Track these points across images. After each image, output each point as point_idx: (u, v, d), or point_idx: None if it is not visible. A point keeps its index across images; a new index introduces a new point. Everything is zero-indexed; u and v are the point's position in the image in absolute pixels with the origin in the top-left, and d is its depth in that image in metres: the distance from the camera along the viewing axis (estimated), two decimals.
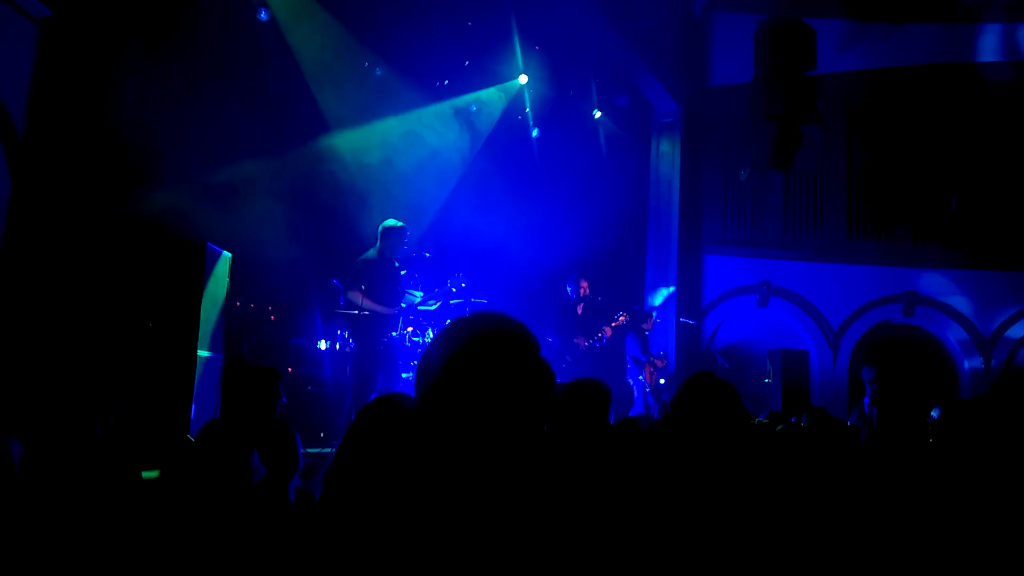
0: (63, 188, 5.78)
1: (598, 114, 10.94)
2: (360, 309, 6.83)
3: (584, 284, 8.67)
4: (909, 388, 7.58)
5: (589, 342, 8.42)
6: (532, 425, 1.27)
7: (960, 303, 10.41)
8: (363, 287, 6.76)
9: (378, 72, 10.00)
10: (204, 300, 5.43)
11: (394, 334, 7.23)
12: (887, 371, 7.17)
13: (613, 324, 8.65)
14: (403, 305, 7.23)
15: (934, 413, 3.31)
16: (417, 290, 7.95)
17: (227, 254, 6.15)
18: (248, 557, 1.82)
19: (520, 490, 1.23)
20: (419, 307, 7.85)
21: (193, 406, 5.12)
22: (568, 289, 8.69)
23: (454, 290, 8.34)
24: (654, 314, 9.56)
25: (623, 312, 8.88)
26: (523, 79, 10.81)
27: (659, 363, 9.10)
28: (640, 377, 9.10)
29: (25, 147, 5.72)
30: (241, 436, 2.10)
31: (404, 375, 7.76)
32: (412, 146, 10.41)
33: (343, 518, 1.48)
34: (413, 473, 1.30)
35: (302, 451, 2.27)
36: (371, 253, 6.98)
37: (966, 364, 10.45)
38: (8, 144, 5.60)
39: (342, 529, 1.40)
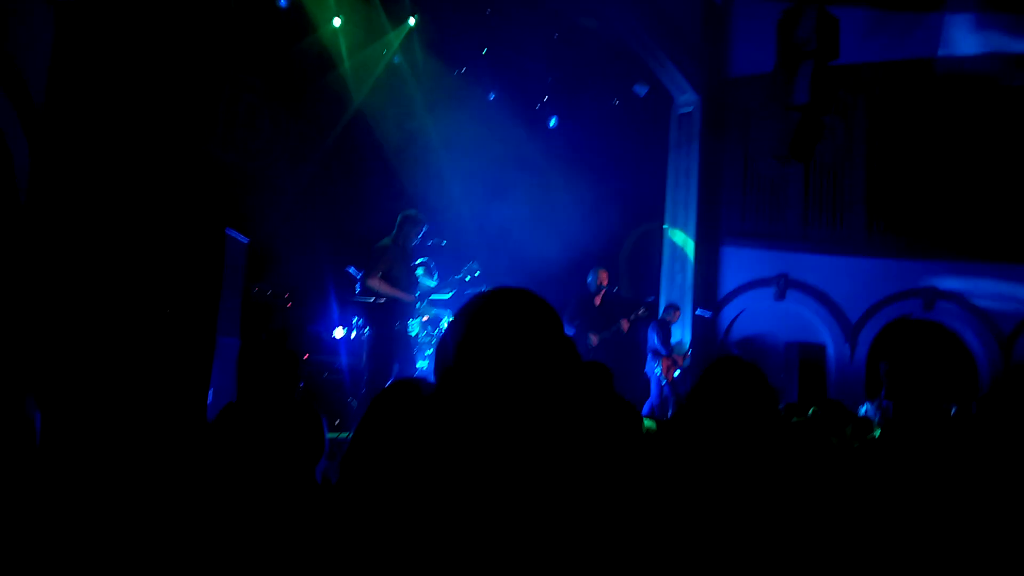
0: (83, 162, 5.83)
1: (617, 101, 10.88)
2: (377, 296, 6.86)
3: (604, 275, 8.64)
4: (927, 383, 7.52)
5: (601, 336, 8.39)
6: (556, 403, 1.26)
7: (980, 298, 10.29)
8: (381, 273, 6.80)
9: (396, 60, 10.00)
10: (223, 286, 5.46)
11: (408, 321, 7.26)
12: (905, 365, 7.10)
13: (632, 317, 8.61)
14: (418, 293, 7.25)
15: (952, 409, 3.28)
16: (432, 278, 7.98)
17: (244, 240, 6.18)
18: (274, 537, 1.83)
19: (543, 470, 1.22)
20: (435, 295, 7.88)
21: (211, 391, 5.16)
22: (588, 279, 8.67)
23: (467, 279, 8.35)
24: (698, 310, 9.52)
25: (643, 306, 8.86)
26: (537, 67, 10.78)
27: (679, 359, 9.06)
28: (657, 370, 9.07)
29: (44, 119, 5.77)
30: (262, 418, 2.11)
31: (419, 364, 7.78)
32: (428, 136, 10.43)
33: (359, 502, 1.48)
34: (431, 456, 1.30)
35: (328, 434, 2.28)
36: (387, 241, 7.00)
37: (985, 359, 10.34)
38: (25, 116, 5.65)
39: (358, 514, 1.40)
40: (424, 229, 7.13)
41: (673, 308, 9.59)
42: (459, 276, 7.88)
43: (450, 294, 8.03)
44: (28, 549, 2.14)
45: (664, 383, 8.95)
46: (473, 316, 1.32)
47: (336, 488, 2.08)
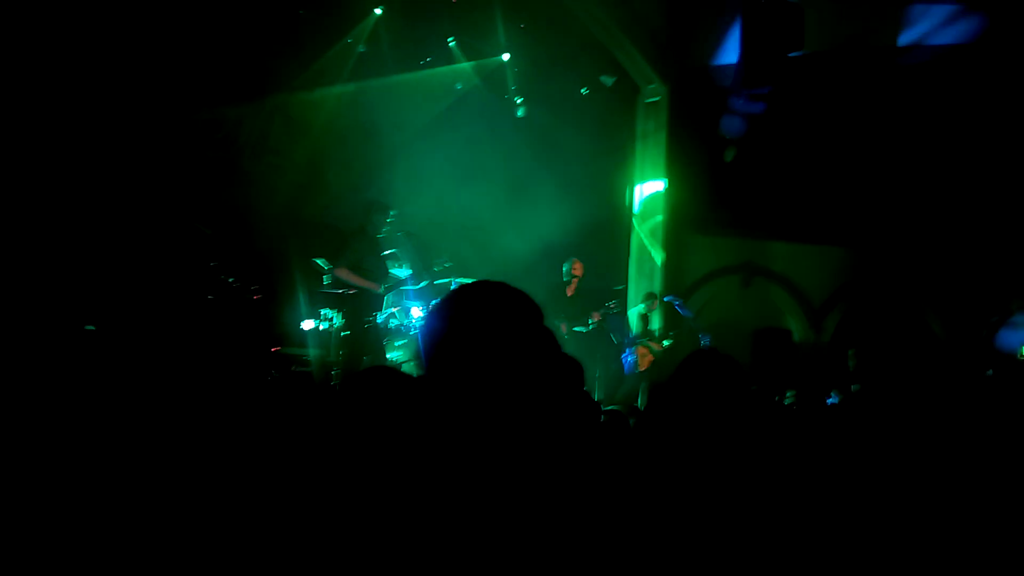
0: (41, 165, 5.69)
1: (586, 91, 10.89)
2: (347, 287, 6.81)
3: (578, 265, 8.65)
4: (892, 365, 7.67)
5: (577, 329, 8.41)
6: (541, 390, 1.26)
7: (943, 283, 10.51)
8: (350, 264, 6.75)
9: (361, 49, 9.91)
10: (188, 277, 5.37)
11: (380, 312, 7.22)
12: (869, 350, 7.24)
13: (602, 311, 8.64)
14: (389, 284, 7.21)
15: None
16: (402, 268, 7.94)
17: (208, 231, 6.10)
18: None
19: (531, 457, 1.22)
20: (405, 286, 7.84)
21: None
22: (563, 269, 8.68)
23: (438, 270, 8.33)
24: (667, 297, 9.59)
25: (615, 300, 8.92)
26: (505, 57, 10.75)
27: (655, 345, 9.11)
28: (630, 358, 9.14)
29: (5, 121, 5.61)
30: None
31: (391, 354, 7.75)
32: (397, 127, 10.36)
33: (336, 488, 1.47)
34: (418, 441, 1.29)
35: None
36: (356, 231, 6.96)
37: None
38: None
39: (336, 498, 1.39)
40: (392, 215, 7.09)
41: (651, 297, 9.65)
42: (430, 267, 7.87)
43: (420, 285, 8.01)
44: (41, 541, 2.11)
45: (637, 371, 9.02)
46: (456, 307, 1.32)
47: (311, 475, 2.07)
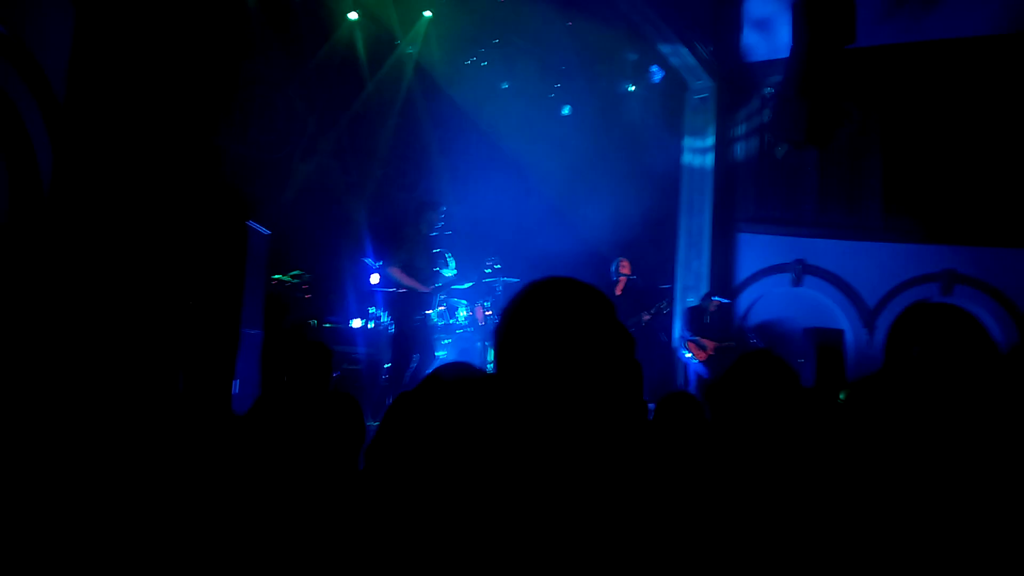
0: (104, 159, 5.85)
1: (632, 88, 10.81)
2: (397, 286, 6.88)
3: (625, 264, 8.64)
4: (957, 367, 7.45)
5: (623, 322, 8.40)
6: (613, 390, 1.26)
7: (1000, 281, 10.20)
8: (401, 263, 6.82)
9: (411, 51, 9.99)
10: (246, 279, 5.48)
11: (428, 312, 7.28)
12: (937, 349, 7.04)
13: (652, 311, 8.61)
14: (438, 284, 7.26)
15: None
16: (450, 268, 7.99)
17: (265, 232, 6.21)
18: (317, 523, 1.85)
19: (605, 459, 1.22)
20: (453, 286, 7.89)
21: (236, 382, 5.19)
22: (612, 268, 8.69)
23: (487, 270, 8.36)
24: (715, 297, 9.51)
25: (665, 301, 8.89)
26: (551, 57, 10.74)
27: (710, 344, 9.03)
28: (688, 355, 9.10)
29: (66, 116, 5.78)
30: (300, 408, 2.12)
31: (439, 353, 7.81)
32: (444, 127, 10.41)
33: (389, 491, 1.47)
34: (490, 437, 1.29)
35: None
36: (408, 230, 7.02)
37: (1005, 344, 10.27)
38: (48, 113, 5.68)
39: (391, 500, 1.40)
40: (443, 212, 7.14)
41: (706, 297, 9.59)
42: (479, 268, 7.91)
43: (468, 285, 8.05)
44: (41, 545, 2.16)
45: (696, 364, 8.98)
46: (529, 304, 1.32)
47: (363, 476, 2.09)
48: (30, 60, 5.50)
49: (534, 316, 1.26)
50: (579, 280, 1.37)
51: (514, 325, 1.29)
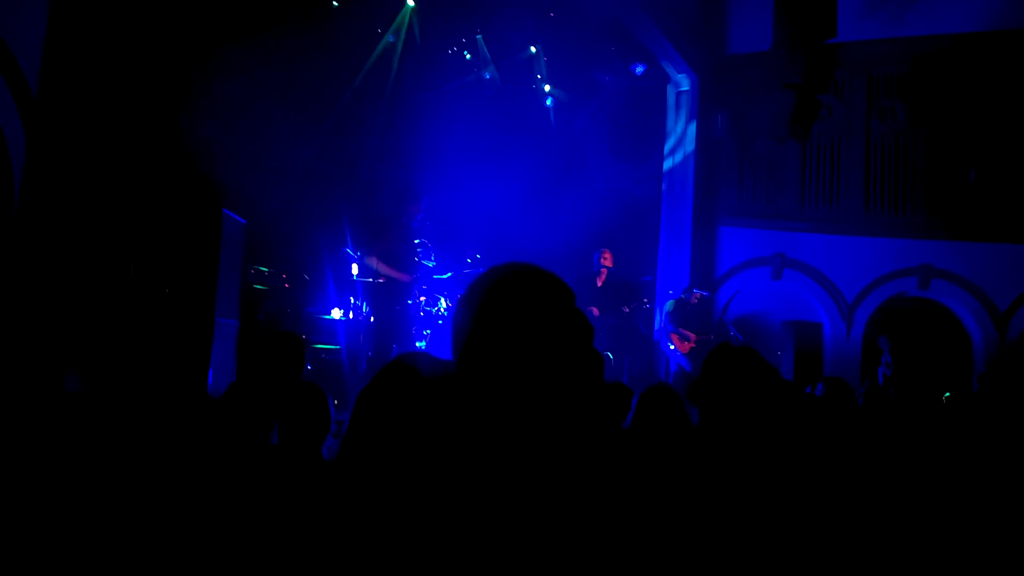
0: (78, 150, 5.77)
1: (614, 80, 10.82)
2: (376, 276, 6.85)
3: (607, 255, 8.65)
4: (923, 359, 7.55)
5: (606, 319, 8.42)
6: (577, 377, 1.25)
7: (977, 276, 10.32)
8: (380, 253, 6.79)
9: (390, 39, 9.93)
10: (220, 266, 5.44)
11: (409, 302, 7.26)
12: (902, 342, 7.13)
13: (633, 306, 8.65)
14: (418, 274, 7.25)
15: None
16: (430, 259, 7.97)
17: (242, 220, 6.16)
18: (282, 513, 1.84)
19: (565, 447, 1.22)
20: (433, 276, 7.87)
21: (210, 371, 5.16)
22: (594, 258, 8.70)
23: (468, 261, 8.36)
24: (695, 290, 9.53)
25: (645, 297, 8.90)
26: (533, 49, 10.72)
27: (692, 335, 9.06)
28: (671, 347, 9.13)
29: (39, 107, 5.70)
30: (270, 398, 2.11)
31: (419, 343, 7.79)
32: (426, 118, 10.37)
33: (361, 481, 1.46)
34: (443, 436, 1.28)
35: (334, 414, 2.28)
36: (389, 220, 6.99)
37: (980, 337, 10.39)
38: (22, 104, 5.59)
39: (360, 492, 1.39)
40: (423, 203, 7.11)
41: (688, 289, 9.61)
42: (459, 259, 7.90)
43: (447, 275, 8.04)
44: (27, 538, 2.13)
45: (678, 356, 9.02)
46: (485, 291, 1.31)
47: (335, 466, 2.08)
48: (3, 48, 5.41)
49: (490, 303, 1.25)
50: (539, 267, 1.36)
51: (469, 312, 1.28)
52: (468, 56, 10.61)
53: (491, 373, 1.22)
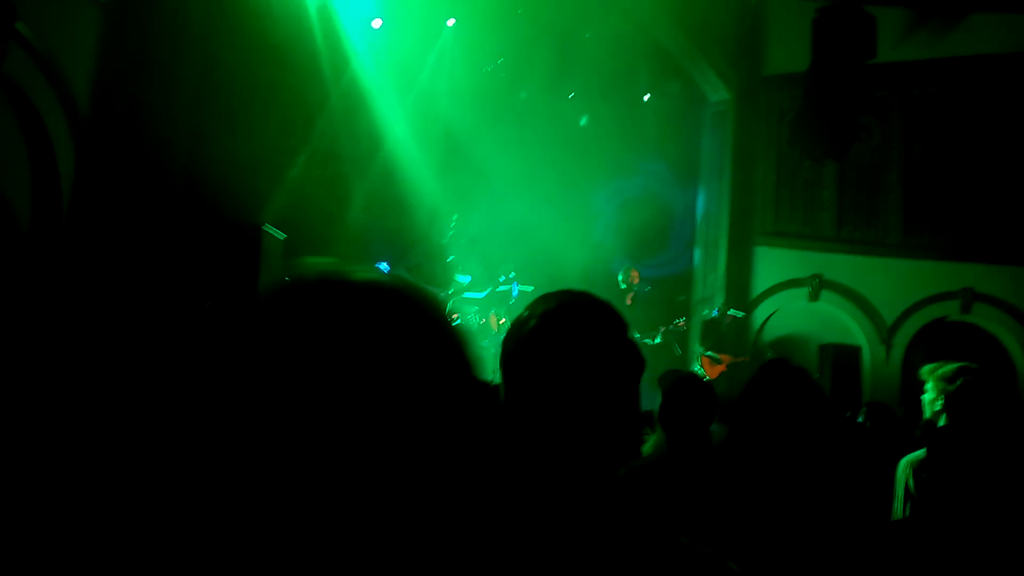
0: (124, 166, 5.91)
1: (651, 98, 10.77)
2: None
3: (635, 274, 8.59)
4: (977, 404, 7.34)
5: (637, 335, 8.35)
6: (631, 407, 1.25)
7: (1020, 300, 10.09)
8: (408, 268, 6.88)
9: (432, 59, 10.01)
10: (261, 282, 5.52)
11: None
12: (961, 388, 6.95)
13: (670, 328, 8.56)
14: (450, 291, 7.28)
15: None
16: (464, 275, 8.00)
17: (281, 235, 6.25)
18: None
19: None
20: (466, 293, 7.89)
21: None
22: (619, 277, 8.62)
23: (502, 279, 8.37)
24: (731, 310, 9.43)
25: (683, 319, 8.81)
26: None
27: (726, 358, 8.94)
28: (699, 369, 9.02)
29: (89, 126, 5.86)
30: None
31: None
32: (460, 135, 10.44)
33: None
34: (491, 456, 1.28)
35: None
36: (419, 236, 7.08)
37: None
38: (72, 123, 5.75)
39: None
40: (455, 220, 7.17)
41: (721, 309, 9.51)
42: (494, 278, 7.91)
43: (484, 293, 8.05)
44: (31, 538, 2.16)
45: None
46: (542, 317, 1.31)
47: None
48: (56, 69, 5.58)
49: (544, 332, 1.25)
50: (592, 295, 1.36)
51: (523, 340, 1.28)
52: (503, 76, 10.68)
53: (545, 404, 1.22)
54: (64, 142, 5.66)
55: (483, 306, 8.38)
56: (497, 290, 8.43)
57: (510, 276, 8.20)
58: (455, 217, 7.26)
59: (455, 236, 7.31)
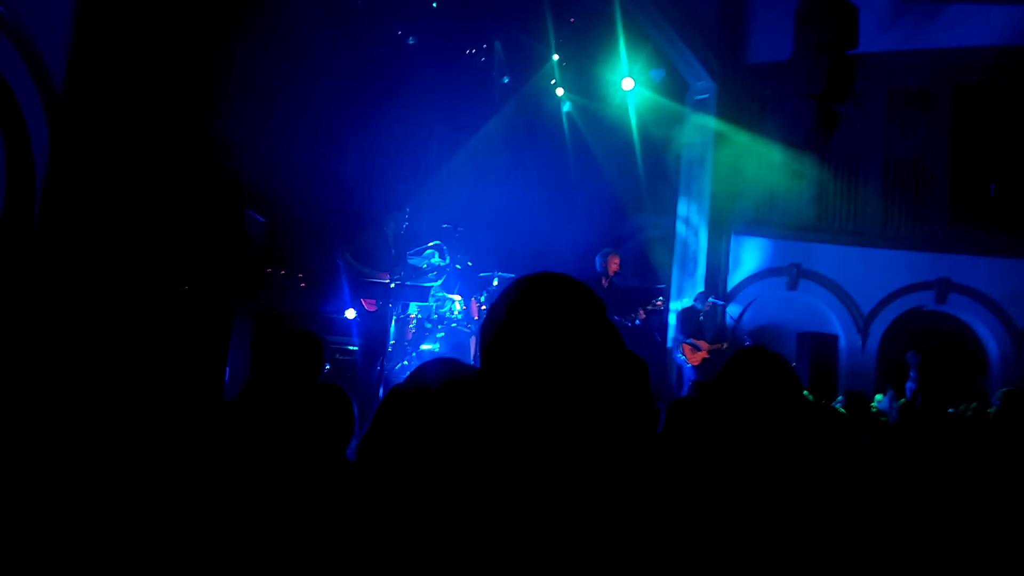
0: (101, 148, 5.82)
1: (633, 86, 10.75)
2: (361, 274, 7.10)
3: (613, 258, 8.57)
4: (946, 376, 7.45)
5: (617, 319, 8.38)
6: (605, 386, 1.25)
7: (995, 291, 10.23)
8: (352, 250, 7.08)
9: (411, 41, 9.96)
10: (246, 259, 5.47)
11: (411, 303, 7.44)
12: (937, 359, 7.03)
13: (648, 308, 8.59)
14: (397, 280, 7.26)
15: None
16: (444, 260, 8.01)
17: (261, 219, 6.20)
18: (305, 513, 1.84)
19: (580, 459, 1.21)
20: (427, 279, 7.96)
21: (227, 369, 5.18)
22: (596, 261, 8.59)
23: (458, 267, 8.41)
24: (710, 298, 9.47)
25: (659, 296, 8.84)
26: (555, 57, 10.72)
27: (704, 345, 8.99)
28: (681, 358, 9.07)
29: (65, 106, 5.75)
30: (288, 398, 2.11)
31: (432, 346, 7.82)
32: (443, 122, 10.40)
33: (382, 483, 1.46)
34: (472, 436, 1.28)
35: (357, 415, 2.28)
36: (370, 224, 7.30)
37: (997, 353, 10.30)
38: (48, 103, 5.64)
39: (381, 494, 1.39)
40: (407, 214, 7.40)
41: (701, 297, 9.54)
42: (451, 265, 8.01)
43: (441, 279, 8.13)
44: (37, 534, 2.14)
45: (687, 367, 8.96)
46: (518, 298, 1.31)
47: (355, 468, 2.08)
48: (30, 45, 5.45)
49: (522, 312, 1.25)
50: (571, 277, 1.36)
51: (501, 320, 1.28)
52: (484, 60, 10.63)
53: (524, 378, 1.22)
54: (38, 123, 5.55)
55: (465, 292, 8.39)
56: (478, 275, 8.43)
57: (468, 264, 8.27)
58: (406, 211, 7.40)
59: (407, 226, 7.43)
